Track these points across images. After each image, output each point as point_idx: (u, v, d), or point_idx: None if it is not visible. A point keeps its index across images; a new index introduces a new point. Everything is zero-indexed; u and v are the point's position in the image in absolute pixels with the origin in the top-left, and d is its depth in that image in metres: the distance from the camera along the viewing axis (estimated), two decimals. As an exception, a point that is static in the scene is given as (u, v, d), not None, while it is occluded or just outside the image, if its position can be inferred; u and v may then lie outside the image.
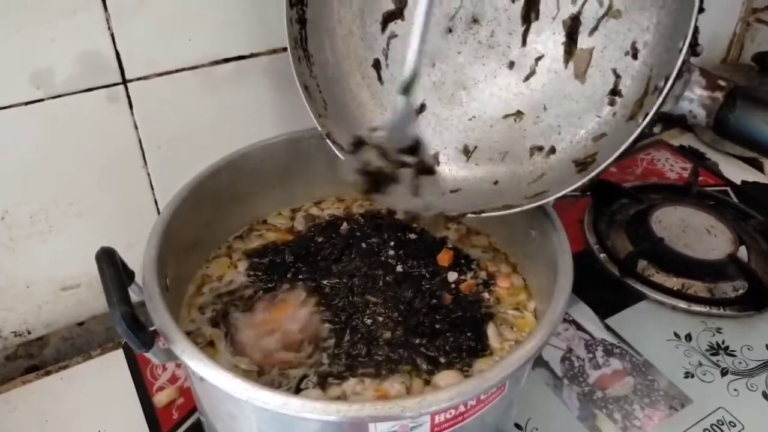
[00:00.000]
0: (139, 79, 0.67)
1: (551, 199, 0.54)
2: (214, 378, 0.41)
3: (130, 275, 0.49)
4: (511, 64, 0.61)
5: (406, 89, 0.50)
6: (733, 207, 0.95)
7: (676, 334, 0.76)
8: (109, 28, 0.63)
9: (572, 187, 0.52)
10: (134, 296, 0.49)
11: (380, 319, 0.57)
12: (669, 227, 0.87)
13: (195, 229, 0.61)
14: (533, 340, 0.44)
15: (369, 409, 0.39)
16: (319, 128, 0.63)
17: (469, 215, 0.57)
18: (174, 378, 0.70)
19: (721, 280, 0.80)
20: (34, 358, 0.78)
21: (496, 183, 0.62)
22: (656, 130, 1.14)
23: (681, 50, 0.46)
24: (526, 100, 0.61)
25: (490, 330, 0.57)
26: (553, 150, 0.59)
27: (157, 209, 0.75)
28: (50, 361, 0.78)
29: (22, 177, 0.66)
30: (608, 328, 0.76)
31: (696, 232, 0.86)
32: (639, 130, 0.48)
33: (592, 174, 0.51)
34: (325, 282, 0.62)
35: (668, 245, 0.83)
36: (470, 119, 0.64)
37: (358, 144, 0.54)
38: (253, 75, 0.74)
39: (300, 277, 0.62)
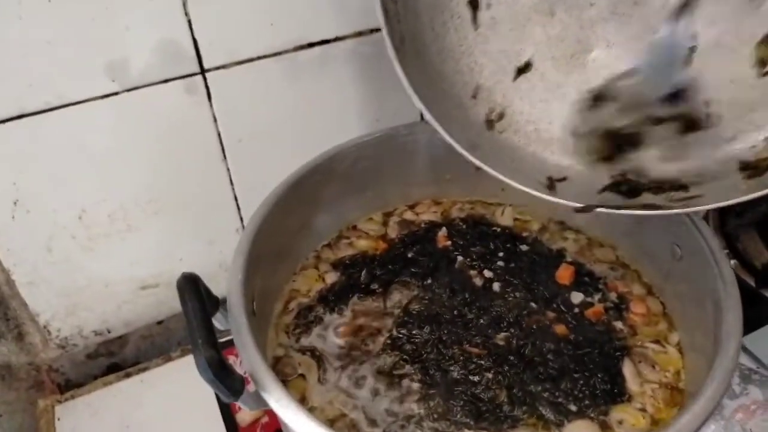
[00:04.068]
0: (218, 68, 0.61)
1: (706, 207, 0.44)
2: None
3: (214, 302, 0.43)
4: (663, 29, 0.49)
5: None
6: None
7: (829, 360, 0.65)
8: (186, 14, 0.57)
9: (740, 200, 0.41)
10: (218, 325, 0.44)
11: (489, 375, 0.49)
12: (813, 230, 0.75)
13: (282, 240, 0.55)
14: (702, 399, 0.36)
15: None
16: (396, 64, 0.49)
17: (601, 210, 0.47)
18: (258, 393, 0.65)
19: None
20: (114, 356, 0.77)
21: (622, 174, 0.50)
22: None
23: None
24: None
25: (627, 369, 0.48)
26: (708, 147, 0.48)
27: (237, 205, 0.71)
28: (130, 358, 0.77)
29: (99, 175, 0.62)
30: (744, 349, 0.66)
31: None
32: None
33: None
34: (408, 332, 0.53)
35: (814, 251, 0.72)
36: (590, 90, 0.52)
37: (598, 98, 0.43)
38: (338, 61, 0.67)
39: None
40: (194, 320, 0.36)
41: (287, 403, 0.37)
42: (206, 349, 0.35)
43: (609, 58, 0.51)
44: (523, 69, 0.54)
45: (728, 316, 0.41)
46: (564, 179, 0.51)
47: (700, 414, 0.36)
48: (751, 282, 0.72)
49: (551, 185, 0.51)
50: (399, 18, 0.50)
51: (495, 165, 0.49)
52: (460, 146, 0.49)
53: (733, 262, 0.75)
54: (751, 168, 0.44)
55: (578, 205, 0.48)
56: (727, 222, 0.79)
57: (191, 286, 0.39)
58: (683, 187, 0.47)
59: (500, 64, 0.54)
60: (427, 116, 0.49)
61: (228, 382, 0.35)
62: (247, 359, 0.39)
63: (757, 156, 0.45)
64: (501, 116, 0.54)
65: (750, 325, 0.68)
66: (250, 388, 0.39)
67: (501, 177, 0.49)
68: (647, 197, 0.48)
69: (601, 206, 0.47)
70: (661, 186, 0.48)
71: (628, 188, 0.50)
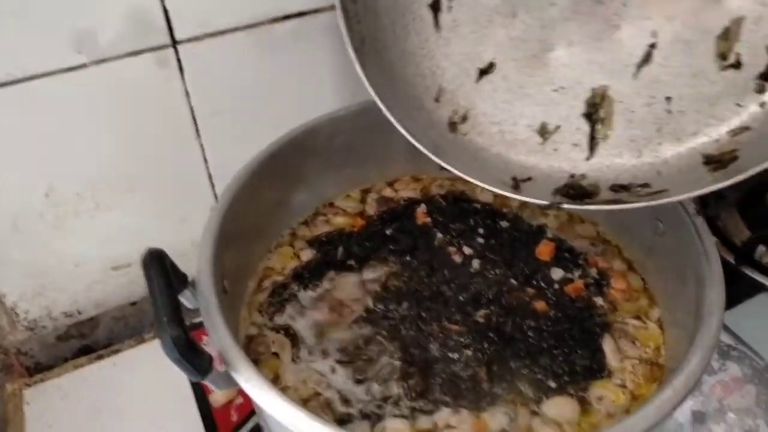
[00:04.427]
0: (189, 40, 0.59)
1: (672, 200, 0.44)
2: (287, 420, 0.34)
3: (182, 280, 0.41)
4: (624, 27, 0.49)
5: None
6: None
7: (806, 335, 0.65)
8: (155, -19, 0.55)
9: (704, 191, 0.42)
10: (187, 303, 0.43)
11: (469, 353, 0.48)
12: (792, 207, 0.75)
13: (255, 217, 0.54)
14: (684, 374, 0.35)
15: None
16: (357, 66, 0.49)
17: (566, 206, 0.48)
18: (232, 374, 0.64)
19: None
20: (86, 337, 0.75)
21: (582, 177, 0.51)
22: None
23: None
24: (640, 75, 0.49)
25: (607, 345, 0.48)
26: (672, 142, 0.48)
27: (211, 183, 0.69)
28: (103, 340, 0.75)
29: (66, 151, 0.60)
30: (723, 325, 0.66)
31: (827, 213, 0.74)
32: None
33: (734, 179, 0.40)
34: (385, 308, 0.52)
35: (794, 229, 0.72)
36: (555, 90, 0.52)
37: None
38: (315, 34, 0.65)
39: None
40: (159, 297, 0.35)
41: (258, 382, 0.35)
42: (172, 327, 0.33)
43: (571, 56, 0.51)
44: (486, 71, 0.53)
45: (711, 293, 0.41)
46: (528, 179, 0.51)
47: (680, 390, 0.35)
48: (731, 259, 0.71)
49: (516, 185, 0.51)
50: (359, 19, 0.50)
51: (459, 165, 0.49)
52: (424, 147, 0.49)
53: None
54: (716, 161, 0.45)
55: (544, 202, 0.48)
56: (708, 201, 0.79)
57: (157, 261, 0.37)
58: (646, 185, 0.48)
59: (462, 67, 0.53)
60: (390, 118, 0.49)
61: (195, 362, 0.34)
62: (217, 338, 0.38)
63: (720, 150, 0.45)
64: (464, 118, 0.54)
65: (729, 301, 0.68)
66: (221, 368, 0.38)
67: (465, 177, 0.49)
68: (608, 194, 0.48)
69: (566, 203, 0.47)
70: (623, 186, 0.48)
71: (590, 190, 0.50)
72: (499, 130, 0.53)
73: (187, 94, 0.62)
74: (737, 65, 0.45)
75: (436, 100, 0.54)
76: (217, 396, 0.62)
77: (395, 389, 0.46)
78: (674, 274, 0.47)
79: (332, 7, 0.63)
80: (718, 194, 0.79)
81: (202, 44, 0.60)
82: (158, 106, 0.61)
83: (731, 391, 0.60)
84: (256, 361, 0.47)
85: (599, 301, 0.52)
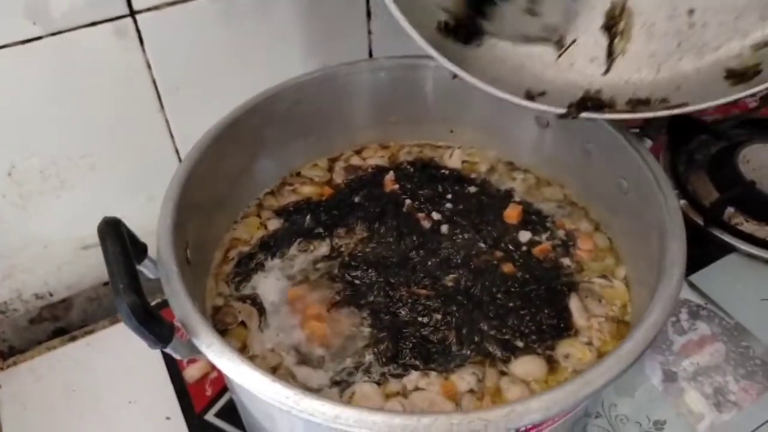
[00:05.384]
0: (149, 9, 0.58)
1: (691, 109, 0.43)
2: (250, 384, 0.34)
3: (141, 249, 0.41)
4: None
5: None
6: (833, 143, 0.82)
7: (772, 293, 0.66)
8: (109, -54, 0.53)
9: (726, 100, 0.41)
10: (148, 273, 0.42)
11: (438, 316, 0.48)
12: (759, 168, 0.76)
13: (219, 186, 0.53)
14: (645, 325, 0.35)
15: (443, 424, 0.31)
16: None
17: (584, 115, 0.46)
18: (206, 348, 0.64)
19: (824, 230, 0.70)
20: (59, 320, 0.74)
21: (598, 92, 0.49)
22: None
23: None
24: None
25: (574, 304, 0.48)
26: (693, 57, 0.47)
27: (179, 158, 0.68)
28: (77, 322, 0.74)
29: (26, 127, 0.58)
30: (692, 286, 0.67)
31: (792, 174, 0.75)
32: None
33: (757, 88, 0.40)
34: (355, 274, 0.52)
35: (760, 189, 0.72)
36: (573, 0, 0.50)
37: None
38: (281, 2, 0.64)
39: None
40: (115, 264, 0.34)
41: (219, 348, 0.35)
42: (128, 294, 0.32)
43: None
44: None
45: (672, 244, 0.41)
46: (543, 93, 0.49)
47: (641, 341, 0.35)
48: (700, 221, 0.72)
49: (530, 98, 0.49)
50: None
51: (471, 76, 0.48)
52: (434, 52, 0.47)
53: (682, 202, 0.75)
54: (738, 75, 0.44)
55: (561, 110, 0.46)
56: (678, 163, 0.80)
57: (112, 229, 0.36)
58: (664, 99, 0.47)
59: None
60: (403, 24, 0.46)
61: (155, 329, 0.33)
62: (177, 305, 0.37)
63: (743, 64, 0.44)
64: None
65: (699, 262, 0.69)
66: (184, 338, 0.37)
67: (479, 84, 0.47)
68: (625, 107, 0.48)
69: (586, 111, 0.46)
70: (641, 101, 0.47)
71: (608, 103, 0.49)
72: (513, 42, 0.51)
73: (148, 65, 0.60)
74: None
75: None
76: (192, 371, 0.61)
77: (367, 357, 0.46)
78: (639, 232, 0.47)
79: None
80: (687, 154, 0.81)
81: (162, 13, 0.58)
82: (119, 79, 0.60)
83: (701, 350, 0.61)
84: (223, 332, 0.47)
85: (566, 261, 0.52)
